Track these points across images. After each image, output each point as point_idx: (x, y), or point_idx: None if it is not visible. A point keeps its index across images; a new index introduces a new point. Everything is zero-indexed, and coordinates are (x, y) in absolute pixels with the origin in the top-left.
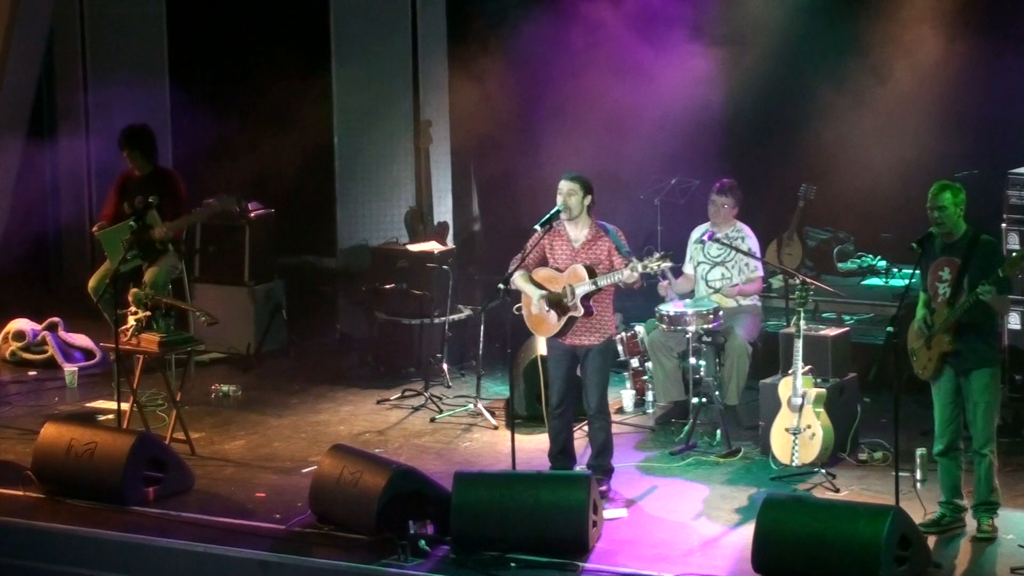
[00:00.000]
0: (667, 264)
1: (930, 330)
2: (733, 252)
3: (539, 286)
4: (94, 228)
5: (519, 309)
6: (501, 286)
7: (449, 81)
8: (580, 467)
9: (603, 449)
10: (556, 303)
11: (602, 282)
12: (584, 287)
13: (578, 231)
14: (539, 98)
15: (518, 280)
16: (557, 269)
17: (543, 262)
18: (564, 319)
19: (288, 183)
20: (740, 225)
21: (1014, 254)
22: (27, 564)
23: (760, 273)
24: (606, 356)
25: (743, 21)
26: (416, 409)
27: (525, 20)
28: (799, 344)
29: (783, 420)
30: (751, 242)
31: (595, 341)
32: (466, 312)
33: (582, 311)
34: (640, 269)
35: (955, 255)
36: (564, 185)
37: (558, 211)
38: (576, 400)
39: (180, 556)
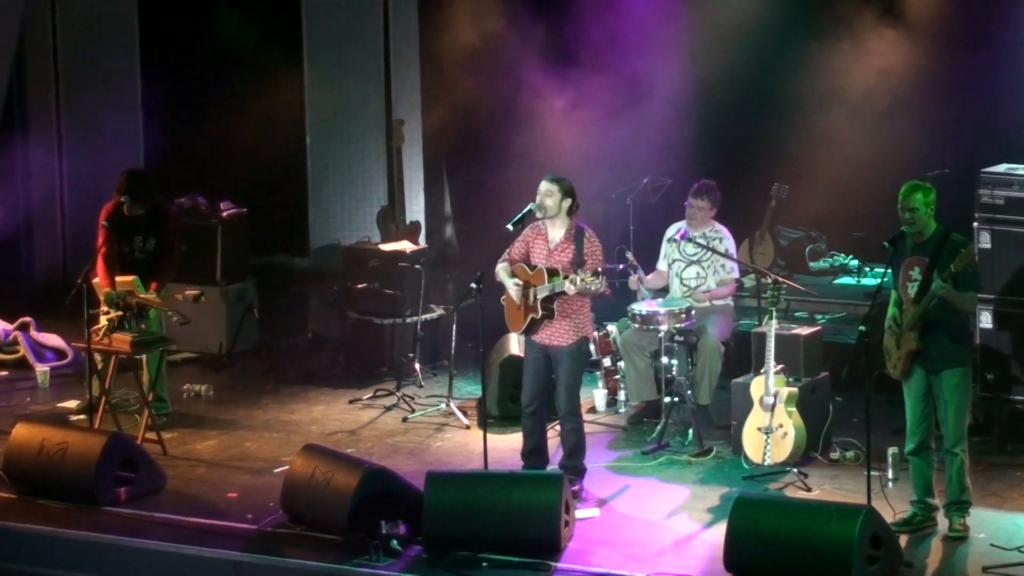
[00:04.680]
0: (597, 284)
1: (899, 329)
2: (709, 251)
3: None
4: (96, 278)
5: (505, 300)
6: (473, 285)
7: (421, 80)
8: (552, 467)
9: (575, 450)
10: (523, 301)
11: (557, 288)
12: (543, 290)
13: (555, 232)
14: (511, 97)
15: (500, 271)
16: (531, 267)
17: (526, 258)
18: (527, 319)
19: (260, 183)
20: (718, 227)
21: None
22: None
23: (735, 275)
24: (577, 358)
25: (716, 20)
26: (388, 409)
27: (497, 20)
28: (771, 343)
29: (755, 419)
30: (728, 244)
31: (566, 342)
32: (438, 311)
33: (541, 313)
34: (569, 286)
35: (924, 254)
36: (542, 185)
37: (530, 209)
38: (549, 399)
39: (152, 556)
